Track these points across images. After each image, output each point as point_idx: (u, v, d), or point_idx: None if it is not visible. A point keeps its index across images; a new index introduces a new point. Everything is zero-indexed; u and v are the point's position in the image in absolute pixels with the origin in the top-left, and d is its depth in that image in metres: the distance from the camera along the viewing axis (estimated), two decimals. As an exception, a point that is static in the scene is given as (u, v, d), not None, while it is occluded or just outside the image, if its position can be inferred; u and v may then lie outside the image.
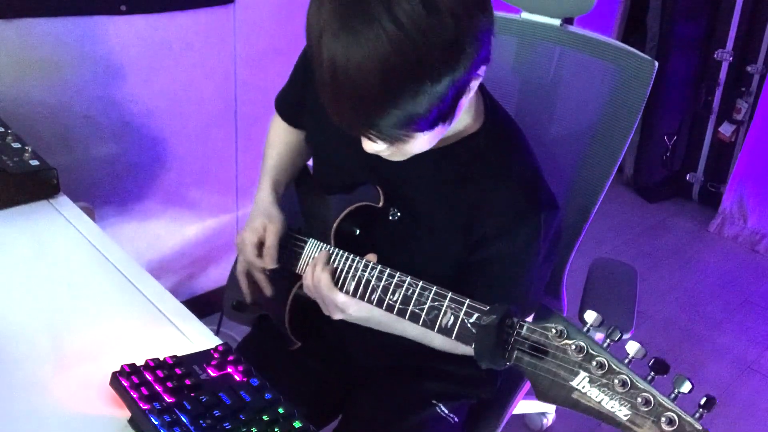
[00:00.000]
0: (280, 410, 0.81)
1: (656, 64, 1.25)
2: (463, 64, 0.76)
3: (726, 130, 3.02)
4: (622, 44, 1.29)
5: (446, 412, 1.12)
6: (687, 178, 3.21)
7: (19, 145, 1.23)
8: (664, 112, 3.08)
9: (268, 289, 1.15)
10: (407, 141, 0.83)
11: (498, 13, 1.38)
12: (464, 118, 0.97)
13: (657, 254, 2.85)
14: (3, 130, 1.28)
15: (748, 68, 2.91)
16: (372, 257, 0.96)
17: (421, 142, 0.85)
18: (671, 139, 3.14)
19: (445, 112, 0.80)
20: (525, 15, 1.36)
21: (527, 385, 1.33)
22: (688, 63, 3.02)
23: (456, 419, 1.13)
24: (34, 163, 1.19)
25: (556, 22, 1.33)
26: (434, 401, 1.12)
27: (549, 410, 1.90)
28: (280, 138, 1.26)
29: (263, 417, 0.79)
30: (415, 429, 1.09)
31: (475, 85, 0.83)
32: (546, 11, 1.33)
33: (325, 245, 1.05)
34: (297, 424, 0.79)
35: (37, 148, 1.24)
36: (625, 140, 1.27)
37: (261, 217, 1.16)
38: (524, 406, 1.81)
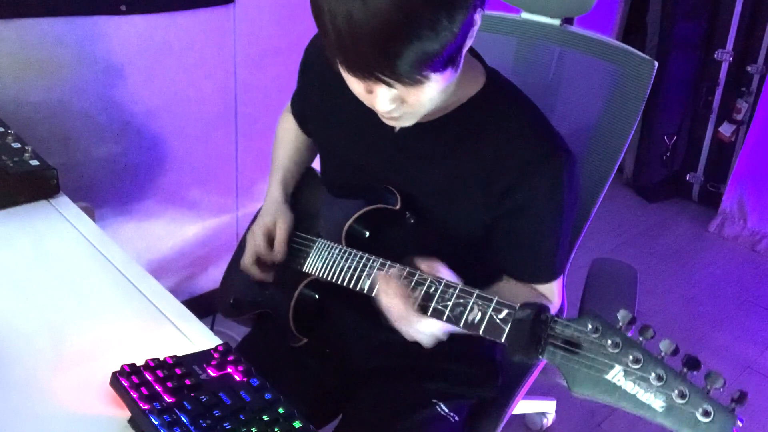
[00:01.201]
0: (280, 410, 0.81)
1: (656, 64, 1.25)
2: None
3: (726, 130, 3.02)
4: (622, 44, 1.29)
5: (446, 411, 1.12)
6: (687, 178, 3.21)
7: (19, 145, 1.23)
8: (664, 112, 3.09)
9: (270, 278, 1.17)
10: (422, 85, 0.84)
11: (498, 13, 1.39)
12: (465, 83, 0.97)
13: (657, 254, 2.85)
14: (3, 130, 1.28)
15: (748, 68, 2.91)
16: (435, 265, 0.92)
17: (433, 90, 0.86)
18: (671, 139, 3.14)
19: (454, 53, 0.83)
20: (525, 15, 1.36)
21: (527, 385, 1.33)
22: (688, 63, 3.02)
23: (456, 418, 1.13)
24: (34, 163, 1.19)
25: (556, 22, 1.33)
26: (434, 400, 1.12)
27: (549, 410, 1.90)
28: (289, 137, 1.28)
29: (263, 417, 0.79)
30: (415, 428, 1.09)
31: (473, 32, 0.85)
32: (546, 11, 1.33)
33: (335, 244, 1.05)
34: (297, 424, 0.79)
35: (37, 148, 1.24)
36: (625, 140, 1.27)
37: (271, 214, 1.18)
38: (524, 406, 1.81)
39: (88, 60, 1.58)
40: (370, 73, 0.82)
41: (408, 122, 0.93)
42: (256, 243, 1.16)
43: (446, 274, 0.90)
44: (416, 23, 0.76)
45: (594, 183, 1.31)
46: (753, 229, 2.94)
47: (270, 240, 1.17)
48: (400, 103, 0.87)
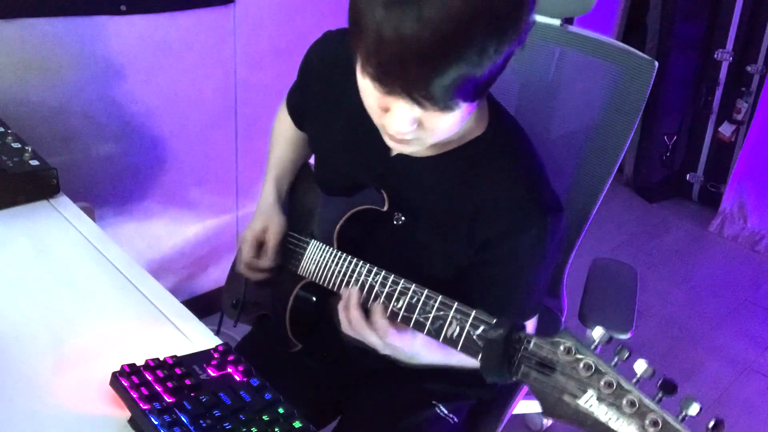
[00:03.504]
0: (280, 410, 0.81)
1: (656, 64, 1.25)
2: (522, 28, 0.78)
3: (726, 130, 3.03)
4: (622, 44, 1.29)
5: (446, 412, 1.12)
6: (687, 178, 3.22)
7: (19, 145, 1.23)
8: (664, 112, 3.09)
9: (265, 277, 1.17)
10: (446, 112, 0.82)
11: (498, 13, 1.38)
12: (469, 121, 0.96)
13: (657, 254, 2.85)
14: (3, 130, 1.28)
15: (748, 68, 2.91)
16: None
17: (454, 120, 0.84)
18: (671, 139, 3.14)
19: (487, 84, 0.81)
20: (525, 15, 1.35)
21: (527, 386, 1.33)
22: (688, 63, 3.02)
23: (456, 419, 1.13)
24: (34, 163, 1.19)
25: (556, 22, 1.33)
26: (434, 402, 1.12)
27: (549, 410, 1.90)
28: (285, 133, 1.27)
29: (263, 417, 0.79)
30: (414, 429, 1.09)
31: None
32: (546, 11, 1.33)
33: (327, 247, 1.05)
34: (297, 424, 0.79)
35: (37, 148, 1.24)
36: (625, 140, 1.27)
37: (262, 217, 1.17)
38: (524, 406, 1.81)
39: (88, 60, 1.58)
40: (401, 87, 0.79)
41: (415, 148, 0.91)
42: (245, 251, 1.17)
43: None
44: (467, 45, 0.74)
45: (594, 183, 1.31)
46: (753, 229, 2.95)
47: (260, 245, 1.17)
48: (417, 126, 0.84)
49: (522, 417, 1.94)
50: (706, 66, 3.01)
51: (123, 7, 1.57)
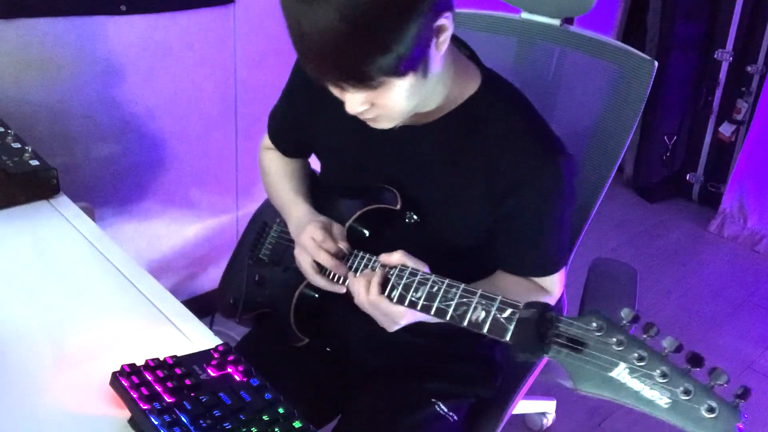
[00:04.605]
0: (280, 410, 0.81)
1: (656, 64, 1.25)
2: (420, 6, 0.78)
3: (726, 130, 3.02)
4: (622, 44, 1.30)
5: (445, 410, 1.12)
6: (687, 178, 3.21)
7: (19, 145, 1.23)
8: (664, 112, 3.08)
9: (343, 269, 1.03)
10: (384, 89, 0.84)
11: (498, 13, 1.39)
12: (460, 83, 0.98)
13: (657, 254, 2.85)
14: (3, 130, 1.28)
15: (748, 68, 2.91)
16: (398, 256, 0.91)
17: (398, 95, 0.86)
18: (671, 139, 3.14)
19: (414, 60, 0.82)
20: (525, 15, 1.36)
21: (527, 385, 1.33)
22: (688, 63, 3.02)
23: (455, 418, 1.13)
24: (34, 163, 1.19)
25: (556, 22, 1.33)
26: (433, 400, 1.12)
27: (549, 410, 1.90)
28: (281, 168, 1.24)
29: (263, 417, 0.79)
30: (414, 428, 1.09)
31: (444, 37, 0.85)
32: (546, 11, 1.33)
33: None
34: (297, 424, 0.79)
35: (37, 148, 1.25)
36: (625, 140, 1.27)
37: (317, 219, 1.08)
38: (524, 406, 1.81)
39: (88, 60, 1.58)
40: (321, 75, 0.83)
41: (385, 124, 0.93)
42: (318, 240, 1.02)
43: (413, 262, 0.90)
44: (361, 37, 0.76)
45: (594, 183, 1.31)
46: (753, 229, 2.94)
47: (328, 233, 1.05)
48: (370, 105, 0.87)
49: (522, 417, 1.94)
50: (706, 66, 3.01)
51: (123, 7, 1.57)
